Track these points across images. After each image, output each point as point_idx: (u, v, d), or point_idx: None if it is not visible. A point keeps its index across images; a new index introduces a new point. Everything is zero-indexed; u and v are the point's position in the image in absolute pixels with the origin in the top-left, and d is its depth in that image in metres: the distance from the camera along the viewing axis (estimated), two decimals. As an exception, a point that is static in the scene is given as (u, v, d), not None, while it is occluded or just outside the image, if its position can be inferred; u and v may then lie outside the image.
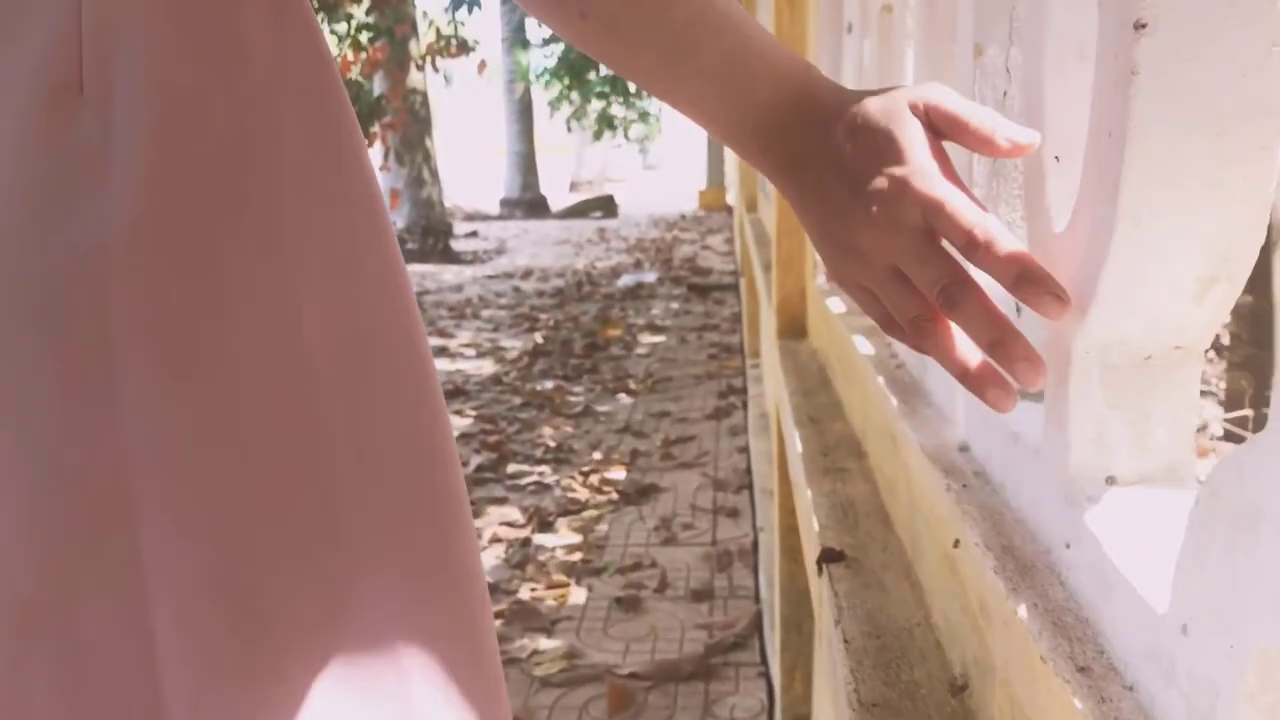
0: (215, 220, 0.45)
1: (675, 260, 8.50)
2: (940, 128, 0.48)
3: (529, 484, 3.21)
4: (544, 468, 3.37)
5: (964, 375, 0.47)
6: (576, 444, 3.61)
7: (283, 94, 0.48)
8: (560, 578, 2.53)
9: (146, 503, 0.42)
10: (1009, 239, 0.43)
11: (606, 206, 13.69)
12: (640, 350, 5.16)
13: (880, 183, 0.47)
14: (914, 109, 0.48)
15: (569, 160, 19.68)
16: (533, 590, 2.49)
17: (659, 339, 5.42)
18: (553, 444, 3.61)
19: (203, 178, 0.44)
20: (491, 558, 2.68)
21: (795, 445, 1.12)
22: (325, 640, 0.45)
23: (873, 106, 0.49)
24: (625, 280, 7.44)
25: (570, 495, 3.10)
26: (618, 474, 3.27)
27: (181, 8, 0.45)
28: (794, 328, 1.64)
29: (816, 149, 0.50)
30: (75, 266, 0.42)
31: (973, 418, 0.68)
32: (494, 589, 2.50)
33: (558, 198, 14.96)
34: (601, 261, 8.64)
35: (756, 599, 2.39)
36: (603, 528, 2.86)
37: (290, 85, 0.48)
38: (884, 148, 0.47)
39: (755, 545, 2.66)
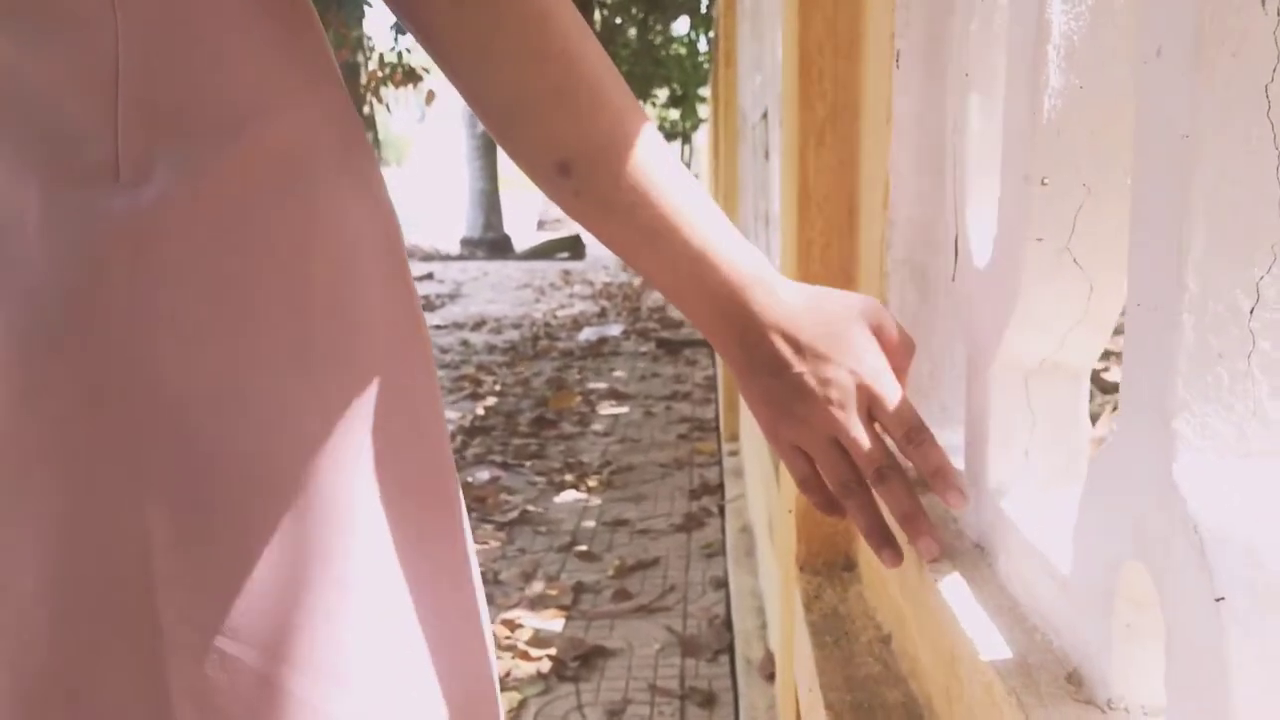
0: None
1: (643, 309, 7.71)
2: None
3: (433, 641, 2.38)
4: (457, 611, 2.54)
5: (869, 532, 0.59)
6: (505, 571, 2.78)
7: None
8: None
9: (163, 564, 0.43)
10: (934, 441, 0.59)
11: (573, 247, 12.90)
12: (598, 426, 4.34)
13: (835, 370, 0.57)
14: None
15: (537, 197, 18.92)
16: None
17: (621, 410, 4.61)
18: (475, 570, 2.78)
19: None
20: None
21: None
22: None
23: (831, 304, 0.59)
24: (587, 334, 6.64)
25: (485, 664, 2.27)
26: (554, 624, 2.45)
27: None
28: (830, 559, 0.84)
29: (767, 318, 0.57)
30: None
31: None
32: None
33: (524, 237, 14.19)
34: (563, 310, 7.83)
35: None
36: (525, 722, 2.03)
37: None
38: (838, 337, 0.57)
39: (740, 766, 1.84)
